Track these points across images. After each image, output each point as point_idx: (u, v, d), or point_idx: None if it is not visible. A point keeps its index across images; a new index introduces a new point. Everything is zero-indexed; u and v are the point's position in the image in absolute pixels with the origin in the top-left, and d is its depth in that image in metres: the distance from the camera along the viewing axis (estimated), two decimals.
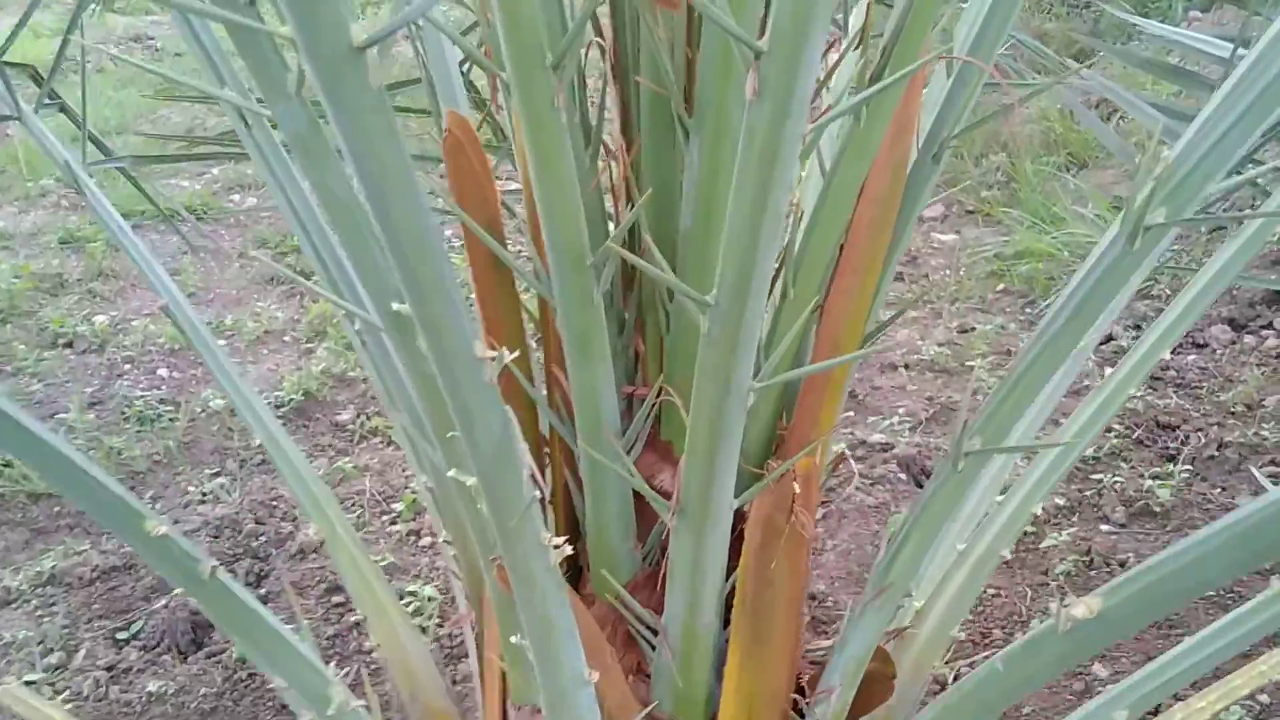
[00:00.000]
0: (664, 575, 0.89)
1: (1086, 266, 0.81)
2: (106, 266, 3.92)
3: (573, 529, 0.99)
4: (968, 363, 3.24)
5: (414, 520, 2.56)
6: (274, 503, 2.59)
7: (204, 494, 2.68)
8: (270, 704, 2.03)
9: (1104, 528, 2.42)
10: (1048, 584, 2.24)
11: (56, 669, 2.12)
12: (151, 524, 0.74)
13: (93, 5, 7.01)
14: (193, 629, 2.21)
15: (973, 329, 3.45)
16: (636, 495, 0.92)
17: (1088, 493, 2.54)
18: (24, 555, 2.50)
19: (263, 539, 2.48)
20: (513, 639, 0.86)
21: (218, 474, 2.75)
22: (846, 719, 1.06)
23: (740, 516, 0.88)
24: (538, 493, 0.76)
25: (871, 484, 2.61)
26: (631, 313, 0.92)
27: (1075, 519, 2.45)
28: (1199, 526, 2.24)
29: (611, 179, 0.91)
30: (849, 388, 0.97)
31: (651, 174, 0.87)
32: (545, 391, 0.97)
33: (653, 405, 0.89)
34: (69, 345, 3.37)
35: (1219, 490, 2.54)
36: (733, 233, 0.63)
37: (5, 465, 2.73)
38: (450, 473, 0.74)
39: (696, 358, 0.72)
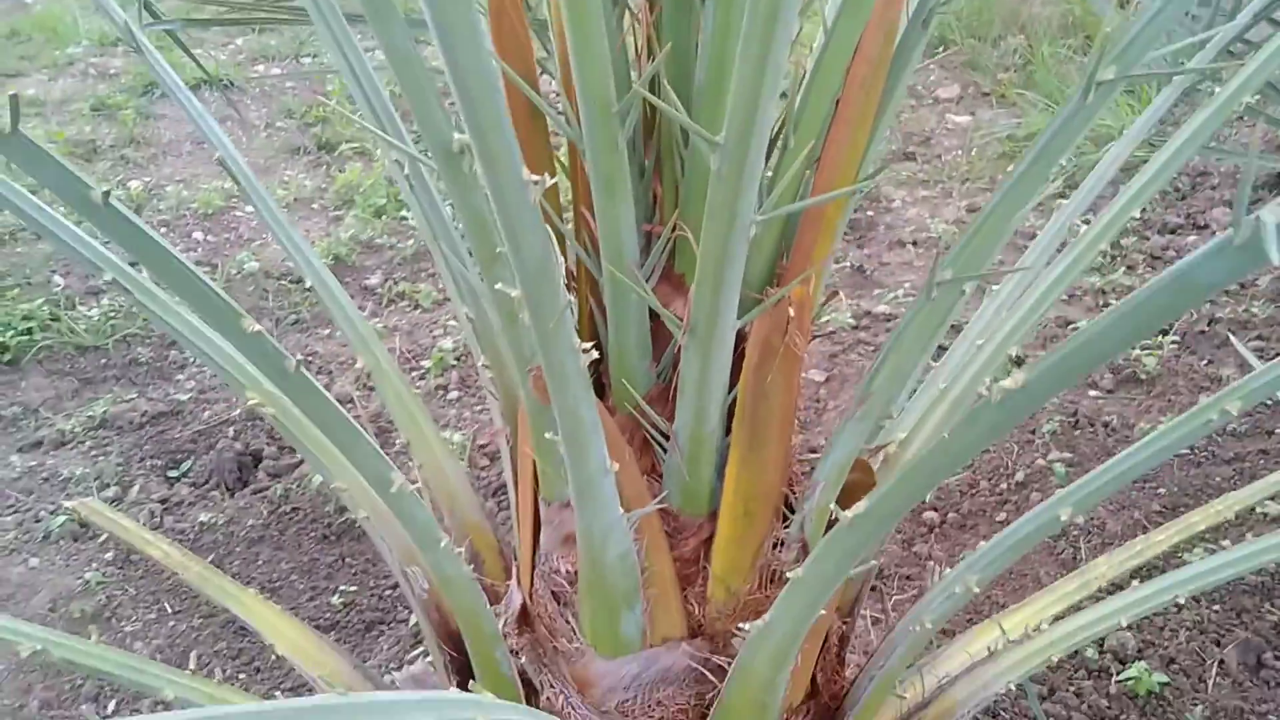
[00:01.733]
0: (675, 389, 1.04)
1: (1051, 121, 0.94)
2: (138, 134, 4.03)
3: (597, 348, 1.13)
4: None
5: (441, 376, 2.72)
6: (310, 358, 2.74)
7: None
8: (313, 534, 2.21)
9: (1092, 393, 2.56)
10: (1034, 441, 2.39)
11: (113, 502, 2.30)
12: (248, 322, 0.88)
13: None
14: (239, 468, 2.38)
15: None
16: (652, 319, 1.07)
17: None
18: (74, 402, 2.67)
19: None
20: (546, 435, 1.01)
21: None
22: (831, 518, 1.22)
23: (741, 338, 1.02)
24: (571, 298, 0.90)
25: (873, 350, 2.75)
26: (651, 159, 1.05)
27: None
28: (1182, 394, 2.38)
29: (635, 40, 1.03)
30: (843, 228, 1.10)
31: (670, 34, 0.99)
32: (574, 229, 1.10)
33: (668, 240, 1.03)
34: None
35: (1205, 362, 2.67)
36: (740, 83, 0.76)
37: (53, 319, 2.88)
38: (497, 286, 0.88)
39: (707, 196, 0.84)
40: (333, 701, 0.62)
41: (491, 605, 1.32)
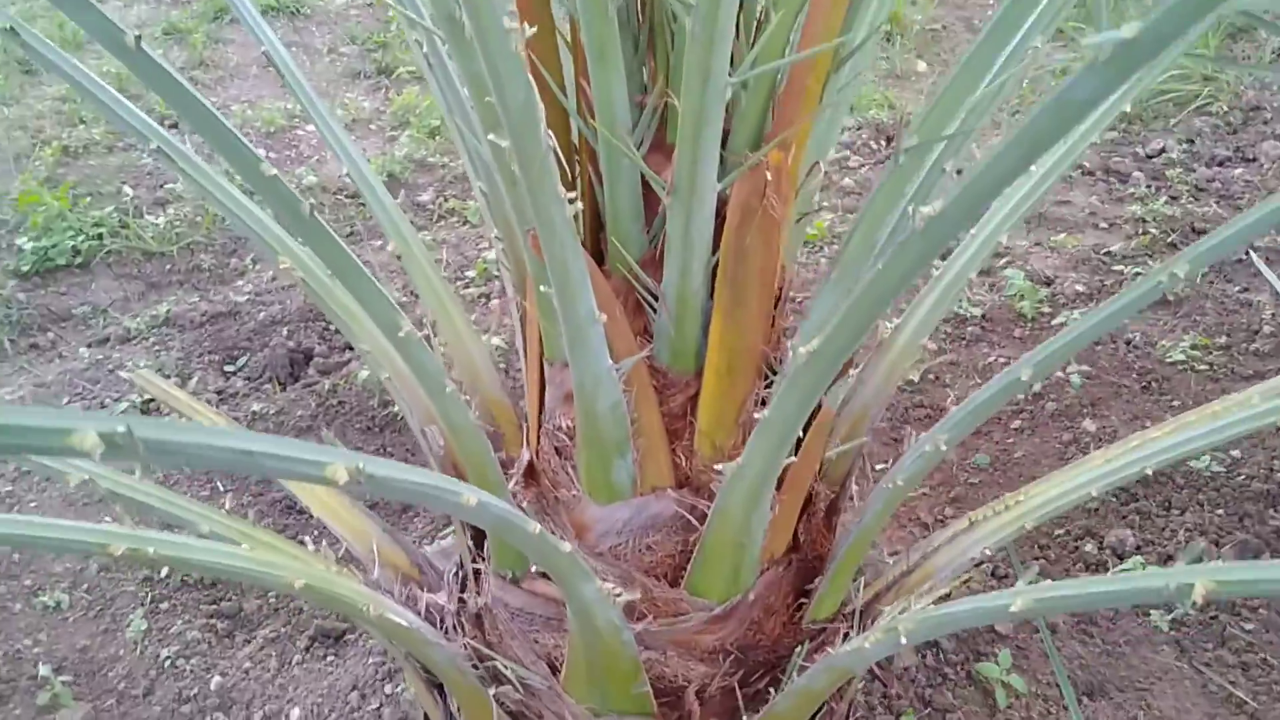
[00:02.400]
0: (661, 250, 1.12)
1: None
2: (207, 57, 4.16)
3: (595, 221, 1.22)
4: None
5: (485, 285, 2.83)
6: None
7: None
8: (358, 425, 2.34)
9: None
10: None
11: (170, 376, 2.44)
12: (265, 165, 0.98)
13: None
14: (290, 364, 2.52)
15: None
16: (645, 187, 1.15)
17: (1108, 282, 2.71)
18: (141, 304, 2.82)
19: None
20: (541, 288, 1.11)
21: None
22: None
23: (725, 202, 1.11)
24: (553, 143, 0.99)
25: None
26: (644, 34, 1.13)
27: (1091, 303, 2.63)
28: (1209, 316, 2.41)
29: None
30: (822, 101, 1.17)
31: None
32: (575, 102, 1.18)
33: (655, 108, 1.11)
34: (174, 127, 3.64)
35: (1237, 289, 2.69)
36: None
37: (122, 226, 3.03)
38: (490, 137, 0.97)
39: None
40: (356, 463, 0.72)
41: (508, 472, 1.43)
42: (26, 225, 3.01)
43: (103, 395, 2.46)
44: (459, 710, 1.43)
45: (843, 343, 0.92)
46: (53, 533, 0.98)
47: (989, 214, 1.45)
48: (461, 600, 1.48)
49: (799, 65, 1.09)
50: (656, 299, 1.18)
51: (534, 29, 0.86)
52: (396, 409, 2.27)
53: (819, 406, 1.26)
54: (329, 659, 1.87)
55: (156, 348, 2.61)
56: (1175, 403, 2.21)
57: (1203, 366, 2.31)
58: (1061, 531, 1.97)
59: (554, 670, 1.36)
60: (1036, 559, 1.91)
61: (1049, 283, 2.69)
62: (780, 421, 1.02)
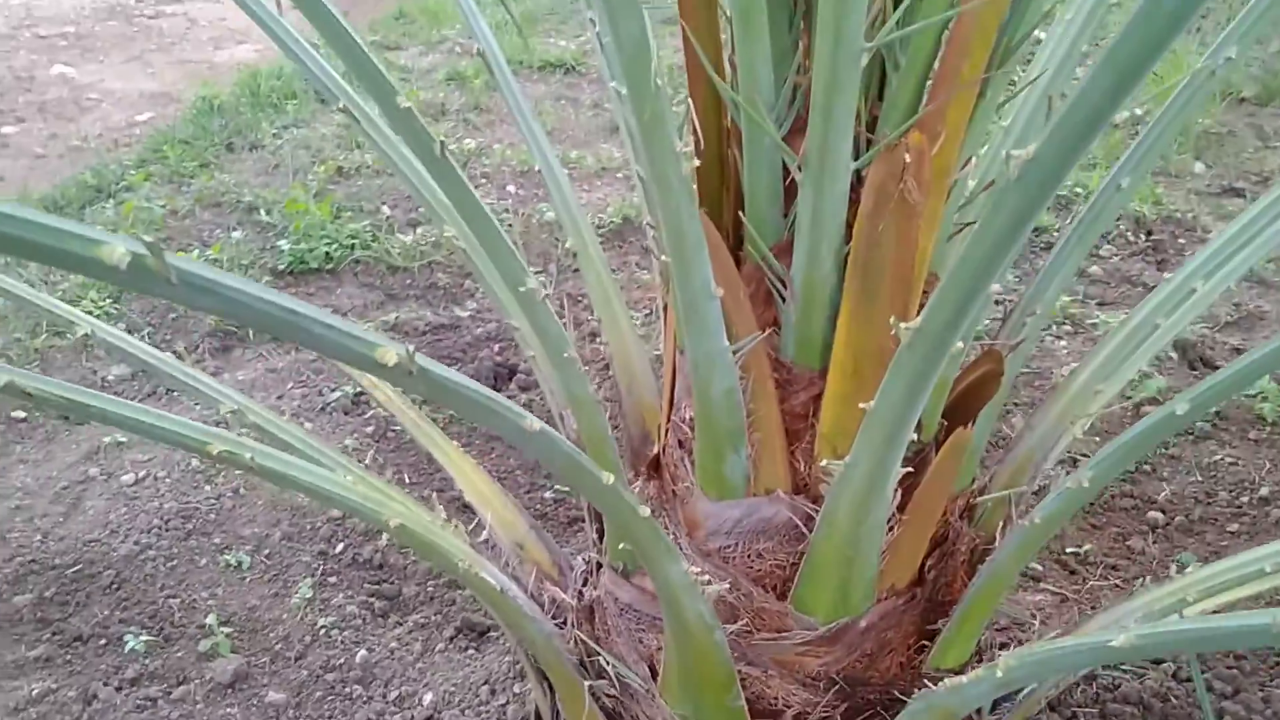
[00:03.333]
0: (790, 224, 1.08)
1: None
2: (482, 102, 4.41)
3: (737, 203, 1.19)
4: None
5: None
6: (580, 297, 2.93)
7: None
8: (534, 478, 2.37)
9: None
10: None
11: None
12: (401, 99, 1.02)
13: None
14: (494, 377, 2.60)
15: None
16: (786, 171, 1.12)
17: None
18: (378, 311, 2.98)
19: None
20: (662, 258, 1.09)
21: (539, 271, 3.13)
22: (953, 399, 1.22)
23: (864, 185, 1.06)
24: (695, 117, 0.97)
25: None
26: (800, 9, 1.10)
27: None
28: None
29: None
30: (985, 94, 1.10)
31: None
32: (729, 81, 1.16)
33: (803, 86, 1.08)
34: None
35: None
36: None
37: (373, 240, 3.23)
38: (611, 83, 0.97)
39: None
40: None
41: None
42: (290, 229, 3.24)
43: (321, 385, 2.60)
44: (562, 709, 1.40)
45: (947, 316, 0.85)
46: (161, 423, 1.03)
47: (1195, 260, 1.33)
48: (580, 594, 1.46)
49: (953, 48, 1.03)
50: (788, 288, 1.13)
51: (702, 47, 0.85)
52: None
53: (955, 428, 1.17)
54: (469, 651, 1.88)
55: (397, 395, 2.75)
56: None
57: None
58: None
59: (653, 673, 1.31)
60: (1232, 671, 1.70)
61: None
62: (886, 412, 0.96)
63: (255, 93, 4.36)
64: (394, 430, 2.45)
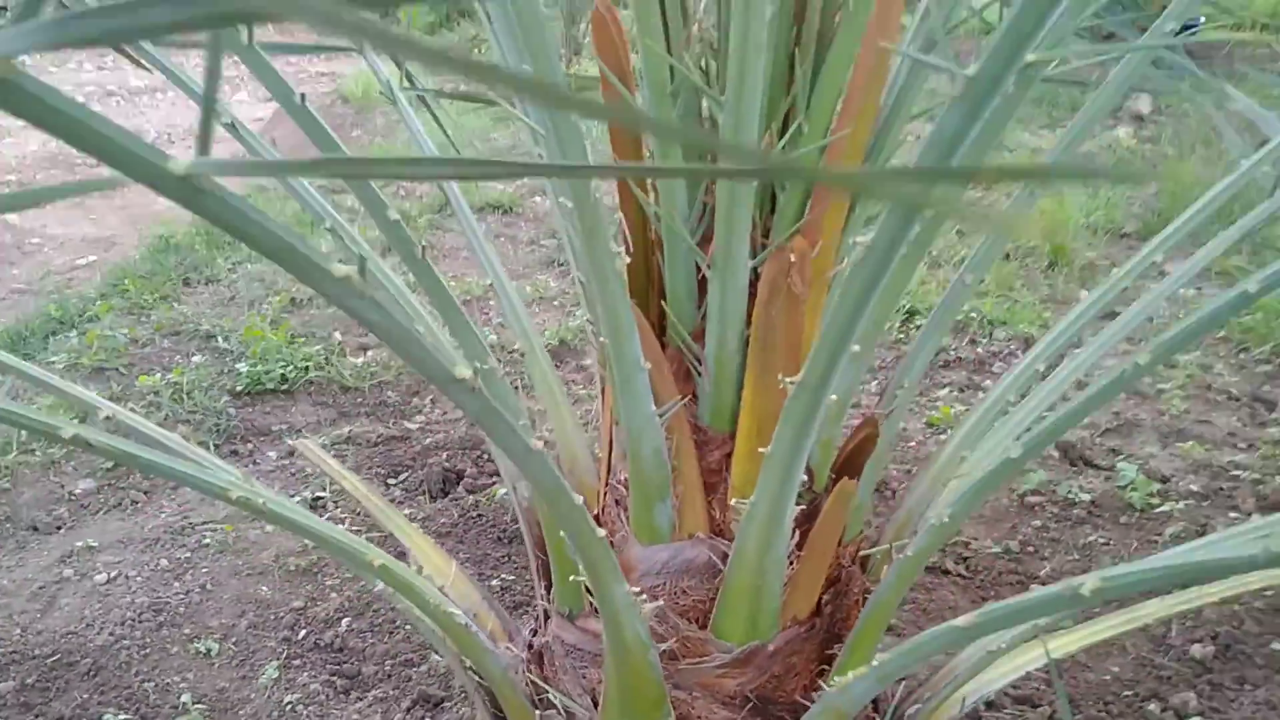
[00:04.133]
0: (704, 312, 1.35)
1: None
2: (426, 239, 4.70)
3: (662, 295, 1.46)
4: None
5: None
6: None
7: None
8: (490, 535, 2.59)
9: None
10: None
11: (338, 494, 2.76)
12: (391, 212, 1.28)
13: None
14: (443, 481, 2.81)
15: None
16: (698, 271, 1.39)
17: (1225, 485, 2.73)
18: (331, 427, 3.20)
19: None
20: (601, 339, 1.35)
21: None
22: (840, 458, 1.48)
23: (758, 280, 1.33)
24: (625, 227, 1.24)
25: None
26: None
27: (1205, 502, 2.66)
28: None
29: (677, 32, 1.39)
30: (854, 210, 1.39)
31: (723, 38, 1.35)
32: (658, 206, 1.45)
33: (705, 204, 1.36)
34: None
35: None
36: (734, 53, 1.10)
37: (326, 362, 3.46)
38: (560, 199, 1.24)
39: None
40: None
41: None
42: (247, 354, 3.47)
43: (283, 491, 2.80)
44: None
45: (821, 371, 1.11)
46: (187, 469, 1.26)
47: (1034, 351, 1.62)
48: (530, 644, 1.67)
49: (834, 153, 1.33)
50: (703, 364, 1.40)
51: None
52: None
53: (841, 480, 1.43)
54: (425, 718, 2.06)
55: (334, 459, 2.96)
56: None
57: None
58: (1129, 692, 2.00)
59: (595, 703, 1.52)
60: (1100, 713, 1.94)
61: (1165, 480, 2.74)
62: (780, 454, 1.21)
63: (210, 231, 4.62)
64: (354, 529, 2.64)
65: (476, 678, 1.65)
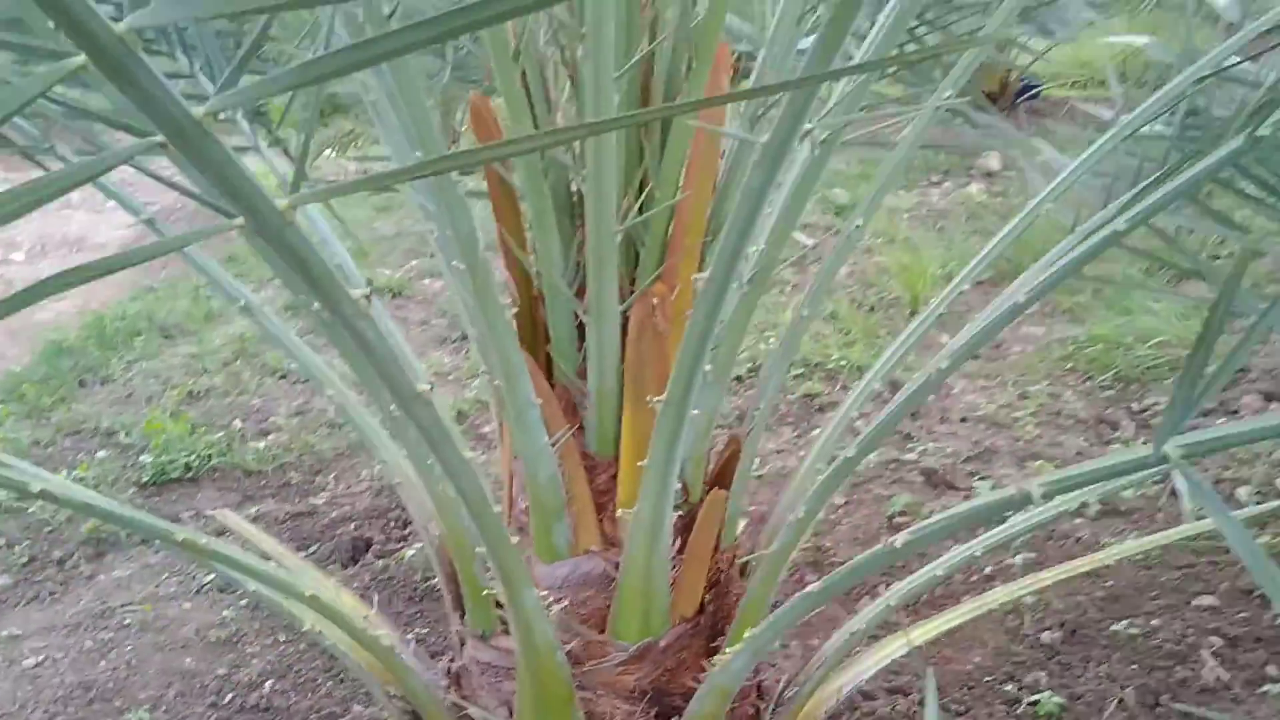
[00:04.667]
0: (585, 352, 1.57)
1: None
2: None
3: (547, 340, 1.67)
4: None
5: None
6: None
7: (373, 476, 3.47)
8: (403, 594, 2.75)
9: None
10: None
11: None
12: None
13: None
14: (353, 549, 2.96)
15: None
16: (576, 317, 1.61)
17: None
18: (238, 509, 3.31)
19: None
20: (496, 382, 1.55)
21: None
22: (711, 473, 1.70)
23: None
24: (513, 287, 1.45)
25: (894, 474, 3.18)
26: (577, 208, 1.62)
27: None
28: (1157, 524, 2.72)
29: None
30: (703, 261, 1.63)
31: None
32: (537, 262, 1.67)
33: (578, 262, 1.59)
34: (283, 377, 4.27)
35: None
36: (594, 142, 1.33)
37: (229, 449, 3.58)
38: (453, 263, 1.45)
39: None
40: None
41: None
42: (150, 446, 3.58)
43: (195, 572, 2.91)
44: None
45: (683, 387, 1.33)
46: (135, 516, 1.42)
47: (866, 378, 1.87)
48: (449, 670, 1.84)
49: (679, 224, 1.57)
50: (587, 397, 1.62)
51: (515, 241, 1.35)
52: (435, 581, 2.66)
53: (713, 491, 1.66)
54: None
55: (244, 537, 3.09)
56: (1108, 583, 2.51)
57: (1139, 556, 2.61)
58: (989, 677, 2.25)
59: (510, 712, 1.70)
60: (964, 695, 2.19)
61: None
62: (656, 465, 1.43)
63: (102, 333, 4.70)
64: (265, 603, 2.77)
65: (400, 703, 1.81)
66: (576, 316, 1.61)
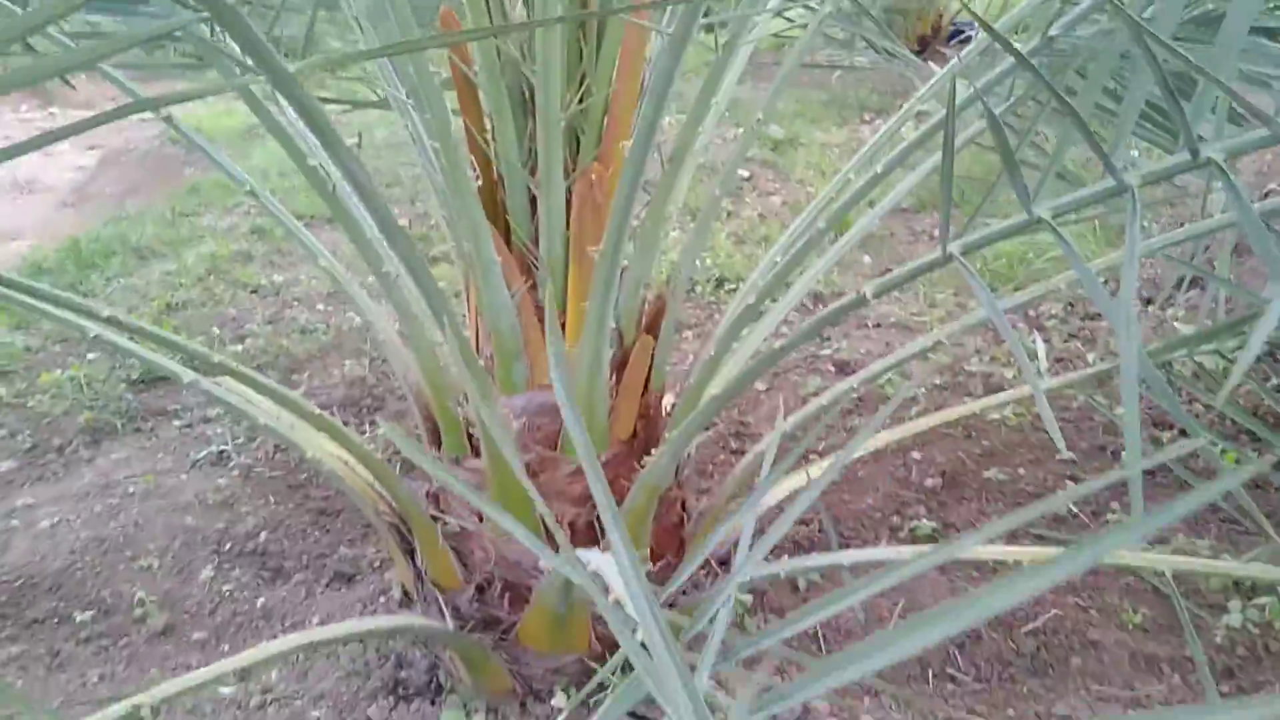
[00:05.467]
0: (537, 222, 1.95)
1: None
2: (283, 248, 5.17)
3: (504, 217, 2.04)
4: None
5: None
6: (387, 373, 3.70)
7: (344, 373, 3.82)
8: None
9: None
10: None
11: (242, 444, 3.24)
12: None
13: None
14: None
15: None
16: (530, 193, 1.98)
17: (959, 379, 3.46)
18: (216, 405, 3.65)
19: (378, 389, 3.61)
20: (464, 244, 1.92)
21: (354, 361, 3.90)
22: (643, 321, 2.09)
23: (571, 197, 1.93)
24: (475, 166, 1.82)
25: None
26: (529, 100, 1.98)
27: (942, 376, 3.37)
28: None
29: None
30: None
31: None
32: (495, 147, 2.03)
33: (531, 147, 1.95)
34: (254, 291, 4.60)
35: None
36: (543, 46, 1.69)
37: (210, 350, 3.91)
38: (432, 143, 1.81)
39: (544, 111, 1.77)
40: None
41: None
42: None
43: (190, 449, 3.27)
44: (420, 552, 2.15)
45: (614, 241, 1.71)
46: (179, 340, 1.78)
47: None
48: (428, 492, 2.22)
49: (612, 116, 1.94)
50: (538, 260, 1.99)
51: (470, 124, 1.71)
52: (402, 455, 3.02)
53: (642, 336, 2.04)
54: (342, 590, 2.59)
55: (228, 426, 3.44)
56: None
57: (1013, 420, 3.06)
58: (878, 513, 2.68)
59: (480, 519, 2.09)
60: (857, 526, 2.61)
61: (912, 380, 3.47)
62: (594, 305, 1.80)
63: (79, 255, 4.98)
64: (256, 473, 3.14)
65: (390, 518, 2.20)
66: (529, 192, 1.98)
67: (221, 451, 3.24)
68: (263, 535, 2.82)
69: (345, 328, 4.18)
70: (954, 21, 9.25)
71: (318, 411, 1.90)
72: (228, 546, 2.78)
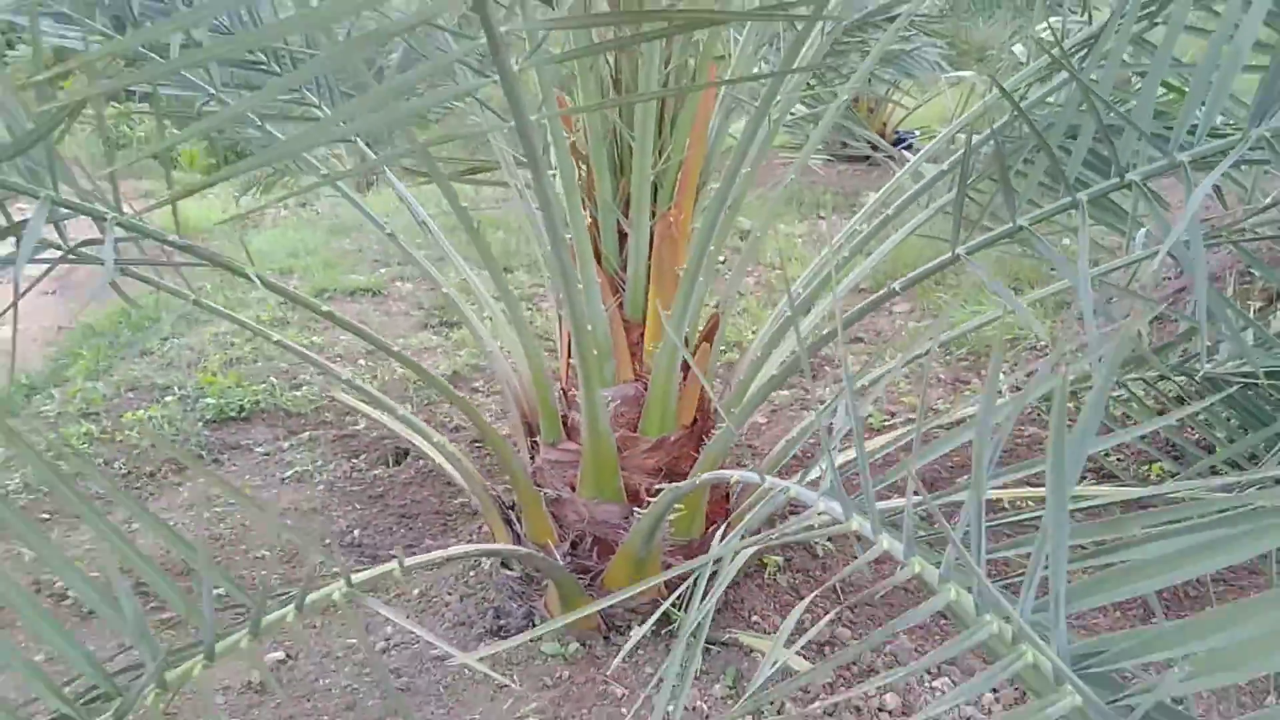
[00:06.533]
0: (626, 257, 2.55)
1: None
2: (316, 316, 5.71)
3: (598, 249, 2.64)
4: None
5: None
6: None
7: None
8: (440, 479, 3.65)
9: None
10: None
11: (317, 468, 3.76)
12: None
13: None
14: (396, 455, 3.86)
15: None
16: (619, 229, 2.59)
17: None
18: (290, 437, 4.17)
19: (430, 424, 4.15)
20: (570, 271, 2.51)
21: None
22: (701, 332, 2.68)
23: (653, 233, 2.54)
24: (575, 213, 2.42)
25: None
26: (622, 158, 2.60)
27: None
28: None
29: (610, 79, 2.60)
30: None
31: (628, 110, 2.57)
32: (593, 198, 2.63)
33: (626, 190, 2.56)
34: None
35: None
36: (637, 112, 2.30)
37: (270, 397, 4.44)
38: (534, 207, 2.42)
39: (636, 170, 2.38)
40: None
41: None
42: (208, 393, 4.42)
43: (275, 472, 3.78)
44: (524, 517, 2.69)
45: (696, 262, 2.31)
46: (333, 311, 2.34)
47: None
48: (528, 467, 2.77)
49: (684, 174, 2.56)
50: (625, 282, 2.58)
51: (575, 165, 2.33)
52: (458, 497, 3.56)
53: (702, 344, 2.63)
54: (433, 570, 3.11)
55: (304, 453, 3.95)
56: None
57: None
58: None
59: (572, 488, 2.64)
60: None
61: (892, 414, 4.07)
62: (676, 318, 2.40)
63: (128, 319, 5.50)
64: (338, 487, 3.66)
65: (491, 493, 2.74)
66: (619, 231, 2.58)
67: (304, 471, 3.76)
68: (356, 532, 3.33)
69: (388, 378, 4.73)
70: (896, 130, 10.19)
71: (459, 393, 2.45)
72: (327, 541, 3.29)
